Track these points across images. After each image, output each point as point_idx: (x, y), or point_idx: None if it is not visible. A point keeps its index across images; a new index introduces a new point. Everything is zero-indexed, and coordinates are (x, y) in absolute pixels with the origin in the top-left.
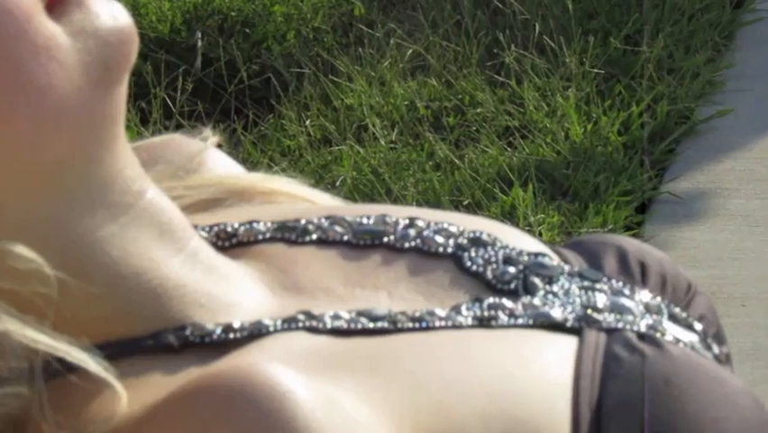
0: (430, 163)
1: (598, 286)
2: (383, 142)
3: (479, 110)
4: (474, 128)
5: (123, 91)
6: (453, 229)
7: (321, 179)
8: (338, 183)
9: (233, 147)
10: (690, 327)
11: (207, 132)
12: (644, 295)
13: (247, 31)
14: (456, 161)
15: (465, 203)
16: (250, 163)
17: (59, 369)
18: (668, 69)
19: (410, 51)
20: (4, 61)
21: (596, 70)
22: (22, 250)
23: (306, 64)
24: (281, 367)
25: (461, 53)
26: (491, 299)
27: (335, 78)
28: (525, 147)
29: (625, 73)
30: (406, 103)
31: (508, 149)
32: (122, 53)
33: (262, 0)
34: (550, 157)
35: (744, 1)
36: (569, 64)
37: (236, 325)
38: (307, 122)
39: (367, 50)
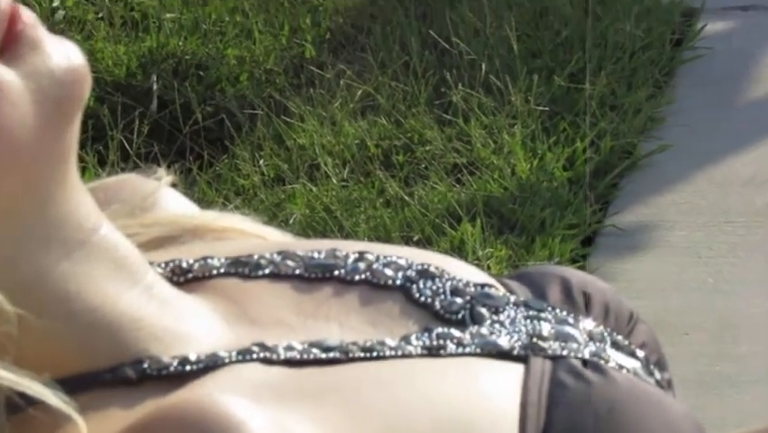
0: (380, 200)
1: (542, 315)
2: (335, 180)
3: (427, 148)
4: (423, 165)
5: (75, 130)
6: (402, 262)
7: (275, 217)
8: (291, 221)
9: (188, 187)
10: (632, 354)
11: (162, 172)
12: (588, 323)
13: (201, 73)
14: (406, 197)
15: (415, 239)
16: (205, 202)
17: (20, 404)
18: (610, 105)
19: (360, 92)
20: None
21: (541, 108)
22: None
23: (258, 105)
24: (235, 398)
25: (409, 93)
26: (440, 329)
27: (288, 119)
28: (473, 183)
29: (569, 110)
30: (356, 142)
31: (457, 185)
32: (74, 92)
33: (216, 44)
34: (497, 193)
35: (683, 40)
36: (514, 102)
37: (192, 357)
38: (261, 161)
39: (318, 91)
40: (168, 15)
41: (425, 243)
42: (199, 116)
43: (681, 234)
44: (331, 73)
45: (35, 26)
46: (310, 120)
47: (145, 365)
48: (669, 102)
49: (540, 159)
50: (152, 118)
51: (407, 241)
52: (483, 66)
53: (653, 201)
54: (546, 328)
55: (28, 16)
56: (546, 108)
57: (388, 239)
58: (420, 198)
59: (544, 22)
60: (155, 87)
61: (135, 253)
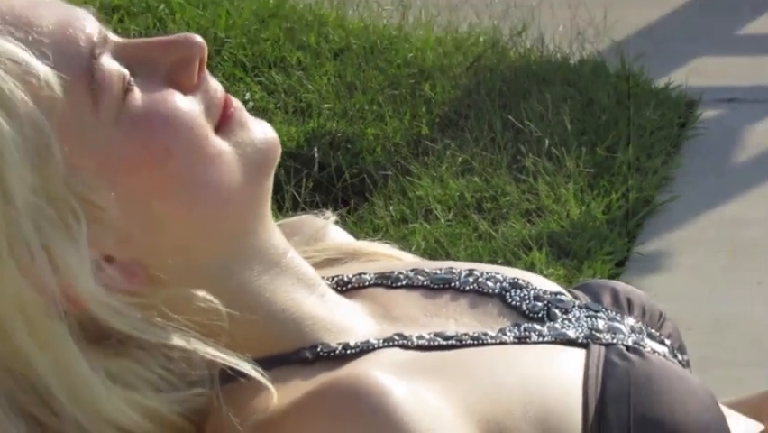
0: (475, 235)
1: (599, 314)
2: (443, 221)
3: (507, 198)
4: (505, 210)
5: (270, 182)
6: (499, 276)
7: (401, 248)
8: (413, 250)
9: (340, 226)
10: (662, 342)
11: (328, 213)
12: (630, 320)
13: (349, 146)
14: (493, 233)
15: (499, 262)
16: (353, 236)
17: (231, 375)
18: (636, 168)
19: (460, 159)
20: (188, 166)
21: (587, 170)
22: (205, 294)
23: (389, 168)
24: (383, 373)
25: (495, 160)
26: (526, 324)
27: (409, 178)
28: (540, 223)
29: (607, 172)
30: (458, 194)
31: (528, 224)
32: (270, 156)
33: (359, 125)
34: (557, 229)
35: (686, 122)
36: (569, 166)
37: (351, 343)
38: (391, 208)
39: (430, 158)
40: (325, 105)
41: (507, 265)
42: (347, 176)
43: (687, 259)
44: (440, 146)
45: (242, 110)
46: (425, 178)
47: (319, 349)
48: (678, 166)
49: (587, 206)
50: (315, 177)
51: (494, 264)
52: (547, 141)
53: (667, 236)
54: (601, 324)
55: (236, 102)
56: (591, 170)
57: (480, 263)
58: (503, 233)
59: (589, 109)
60: (316, 155)
61: (311, 270)
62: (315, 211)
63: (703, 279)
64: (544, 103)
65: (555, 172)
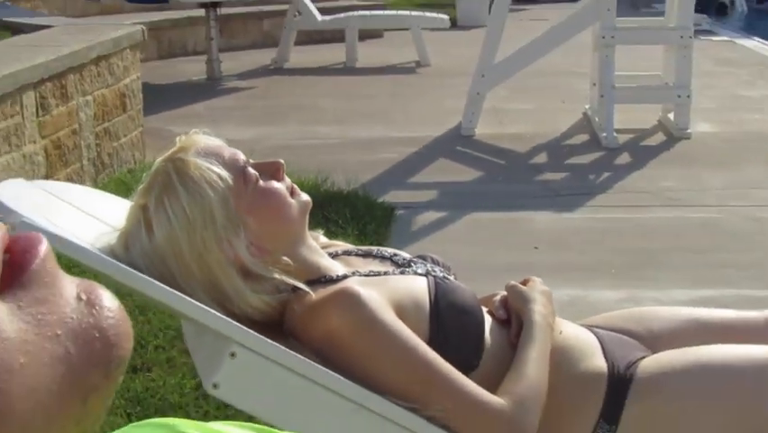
0: None
1: (427, 264)
2: None
3: None
4: None
5: (306, 219)
6: (390, 250)
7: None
8: None
9: None
10: (449, 273)
11: (321, 233)
12: (438, 267)
13: None
14: None
15: None
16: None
17: (295, 288)
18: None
19: None
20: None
21: None
22: (286, 258)
23: None
24: (354, 285)
25: None
26: (402, 268)
27: None
28: None
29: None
30: None
31: None
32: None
33: None
34: None
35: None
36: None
37: (339, 275)
38: None
39: None
40: None
41: None
42: None
43: None
44: None
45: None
46: None
47: (326, 277)
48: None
49: None
50: None
51: None
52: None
53: None
54: (430, 267)
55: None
56: None
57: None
58: None
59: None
60: None
61: (320, 249)
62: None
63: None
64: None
65: None
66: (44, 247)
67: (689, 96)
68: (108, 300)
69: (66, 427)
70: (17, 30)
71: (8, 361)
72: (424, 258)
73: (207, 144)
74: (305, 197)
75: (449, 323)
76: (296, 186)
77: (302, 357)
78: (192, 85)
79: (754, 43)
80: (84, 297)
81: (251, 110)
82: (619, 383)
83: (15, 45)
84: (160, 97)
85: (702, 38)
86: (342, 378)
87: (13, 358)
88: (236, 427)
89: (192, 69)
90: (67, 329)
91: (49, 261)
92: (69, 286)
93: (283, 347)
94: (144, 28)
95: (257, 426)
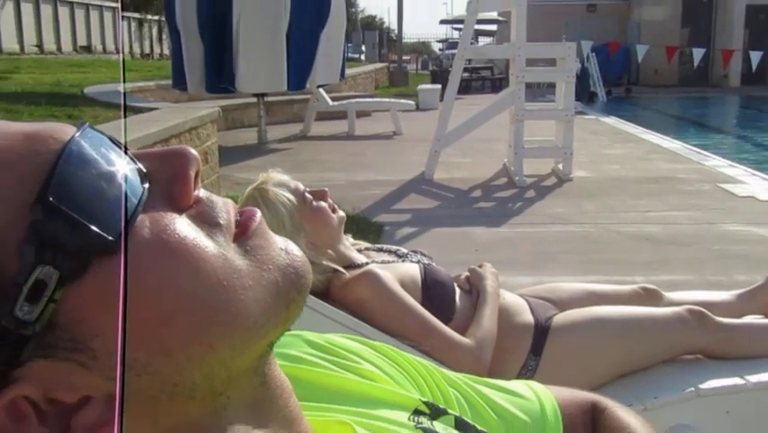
0: None
1: (417, 255)
2: None
3: None
4: None
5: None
6: (393, 247)
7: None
8: None
9: None
10: (431, 261)
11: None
12: (421, 255)
13: None
14: None
15: None
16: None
17: (336, 270)
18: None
19: None
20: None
21: None
22: (329, 251)
23: None
24: (375, 268)
25: None
26: (403, 258)
27: None
28: None
29: None
30: None
31: None
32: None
33: None
34: None
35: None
36: None
37: (363, 262)
38: None
39: None
40: None
41: None
42: None
43: None
44: None
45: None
46: None
47: (357, 264)
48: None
49: None
50: None
51: None
52: None
53: None
54: (419, 257)
55: None
56: None
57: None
58: None
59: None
60: None
61: None
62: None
63: None
64: None
65: None
66: (260, 215)
67: (571, 153)
68: (297, 250)
69: (277, 324)
70: (137, 111)
71: (242, 283)
72: (415, 252)
73: (280, 178)
74: (341, 213)
75: (433, 292)
76: (336, 205)
77: (344, 313)
78: (248, 147)
79: (612, 120)
80: (284, 246)
81: (287, 162)
82: (541, 330)
83: (137, 121)
84: (228, 155)
85: (579, 116)
86: (368, 326)
87: (244, 281)
88: (346, 338)
89: (248, 136)
90: (275, 265)
91: (263, 224)
92: (276, 240)
93: (331, 306)
94: (219, 109)
95: (358, 338)
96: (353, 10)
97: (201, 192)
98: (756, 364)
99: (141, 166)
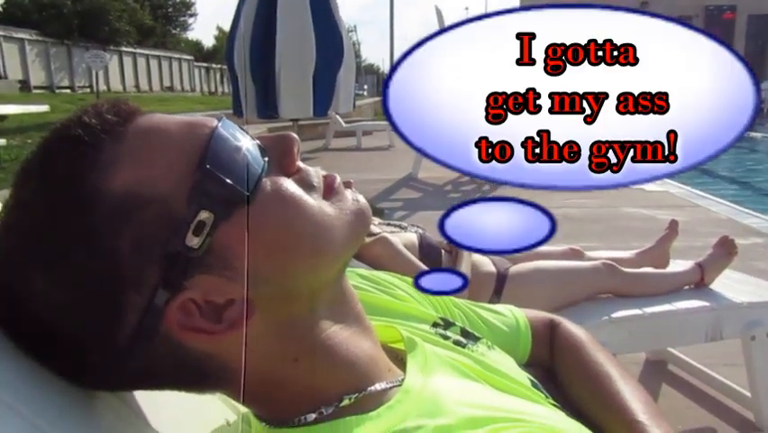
0: None
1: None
2: None
3: None
4: None
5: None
6: None
7: None
8: None
9: None
10: None
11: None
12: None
13: None
14: None
15: None
16: None
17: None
18: None
19: None
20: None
21: None
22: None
23: None
24: (386, 234)
25: None
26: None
27: None
28: None
29: None
30: None
31: None
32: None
33: None
34: None
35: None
36: None
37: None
38: None
39: None
40: None
41: None
42: None
43: None
44: None
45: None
46: None
47: (372, 234)
48: None
49: None
50: None
51: None
52: None
53: None
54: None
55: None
56: None
57: None
58: None
59: None
60: None
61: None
62: None
63: None
64: None
65: None
66: (339, 179)
67: None
68: (363, 199)
69: (352, 249)
70: None
71: (331, 223)
72: (413, 225)
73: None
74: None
75: (426, 252)
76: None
77: (365, 265)
78: None
79: None
80: (354, 197)
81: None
82: (501, 277)
83: None
84: None
85: None
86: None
87: (333, 221)
88: (384, 273)
89: None
90: (349, 210)
91: (341, 184)
92: (348, 194)
93: (356, 261)
94: (267, 129)
95: (392, 273)
96: (358, 60)
97: (301, 164)
98: (650, 300)
99: (261, 144)
